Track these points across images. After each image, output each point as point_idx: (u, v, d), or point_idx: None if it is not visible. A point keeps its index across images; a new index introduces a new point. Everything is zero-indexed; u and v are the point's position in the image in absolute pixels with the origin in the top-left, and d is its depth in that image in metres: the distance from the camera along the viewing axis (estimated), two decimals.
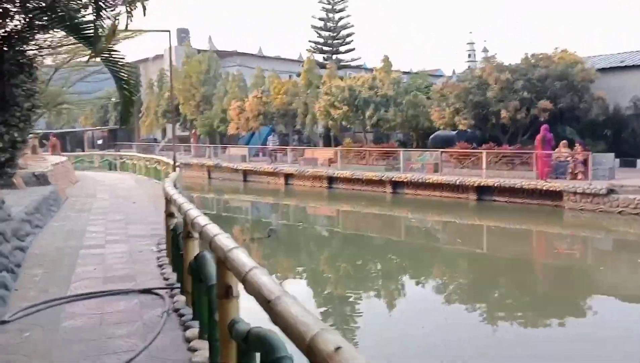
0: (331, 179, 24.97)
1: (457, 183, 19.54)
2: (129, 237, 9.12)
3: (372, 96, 23.71)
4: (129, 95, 6.23)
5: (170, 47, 15.00)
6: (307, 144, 32.20)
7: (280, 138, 33.71)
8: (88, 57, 6.86)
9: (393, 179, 21.86)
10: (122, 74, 6.19)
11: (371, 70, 29.39)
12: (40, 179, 14.09)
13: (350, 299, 10.10)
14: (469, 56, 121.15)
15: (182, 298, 5.42)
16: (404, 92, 24.32)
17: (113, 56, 6.17)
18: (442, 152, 20.85)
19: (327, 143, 30.88)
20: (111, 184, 20.25)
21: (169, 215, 6.95)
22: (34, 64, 6.55)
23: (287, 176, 27.38)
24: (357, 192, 23.58)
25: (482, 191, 19.27)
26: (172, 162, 15.54)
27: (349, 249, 14.66)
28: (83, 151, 45.35)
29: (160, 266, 6.93)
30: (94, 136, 52.51)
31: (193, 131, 38.88)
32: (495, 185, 18.55)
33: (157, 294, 5.70)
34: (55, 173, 16.32)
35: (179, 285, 5.77)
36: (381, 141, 27.71)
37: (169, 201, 6.88)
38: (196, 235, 5.09)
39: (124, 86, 6.15)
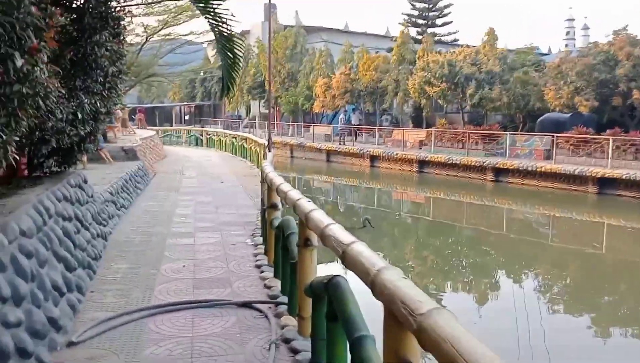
0: (422, 163, 23.11)
1: (575, 173, 17.09)
2: (219, 224, 8.09)
3: (475, 73, 21.46)
4: (232, 58, 5.04)
5: (269, 19, 13.79)
6: (395, 125, 30.34)
7: (366, 117, 32.11)
8: None
9: (496, 165, 19.68)
10: (224, 30, 4.97)
11: (465, 47, 26.97)
12: (129, 154, 13.58)
13: (446, 296, 8.53)
14: (567, 33, 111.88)
15: (292, 321, 4.16)
16: (510, 69, 21.83)
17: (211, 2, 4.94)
18: (557, 137, 18.36)
19: (417, 124, 28.93)
20: (198, 161, 19.76)
21: (272, 207, 5.71)
22: (121, 20, 5.41)
23: (373, 158, 25.81)
24: (452, 178, 21.60)
25: (605, 183, 16.71)
26: (263, 141, 14.51)
27: (449, 242, 13.00)
28: (171, 126, 46.27)
29: (258, 267, 5.75)
30: (181, 111, 53.56)
31: (277, 108, 38.18)
32: (623, 177, 15.95)
33: (259, 310, 4.49)
34: (144, 148, 15.89)
35: (285, 300, 4.52)
36: (477, 122, 25.36)
37: (271, 190, 5.63)
38: (314, 242, 3.79)
39: (226, 45, 4.96)
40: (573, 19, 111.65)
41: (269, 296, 4.80)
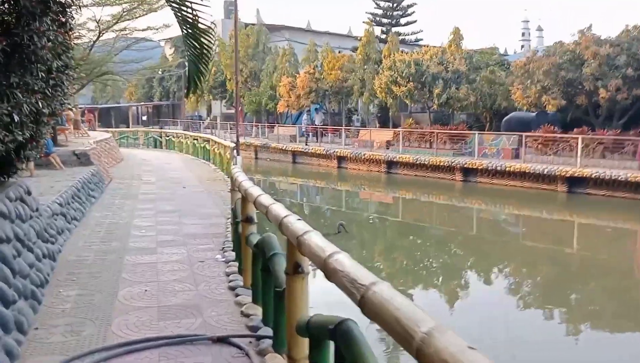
0: (390, 164, 22.77)
1: (545, 172, 17.03)
2: (185, 237, 7.31)
3: (441, 72, 21.22)
4: (200, 50, 4.31)
5: (236, 13, 13.06)
6: (360, 125, 29.93)
7: (331, 117, 31.60)
8: None
9: (465, 165, 19.49)
10: (188, 16, 4.23)
11: (428, 47, 26.82)
12: (82, 159, 12.55)
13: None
14: (523, 34, 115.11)
15: (280, 361, 3.49)
16: (475, 68, 21.72)
17: None
18: (525, 136, 18.28)
19: (382, 124, 28.61)
20: (157, 164, 18.72)
21: (246, 220, 5.02)
22: (67, 7, 4.63)
23: (341, 159, 25.32)
24: (421, 179, 21.33)
25: (574, 182, 16.72)
26: (227, 143, 13.66)
27: (425, 244, 12.58)
28: (128, 127, 44.52)
29: (232, 289, 5.05)
30: (139, 111, 51.72)
31: (240, 108, 37.20)
32: (593, 176, 15.96)
33: (238, 346, 3.80)
34: (99, 151, 14.82)
35: (269, 333, 3.85)
36: (443, 122, 25.21)
37: (247, 201, 4.94)
38: (307, 269, 3.14)
39: (192, 34, 4.23)
40: (528, 21, 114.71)
41: (248, 328, 4.12)
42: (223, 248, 6.64)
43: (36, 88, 4.54)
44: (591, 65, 16.70)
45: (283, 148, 28.50)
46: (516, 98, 18.85)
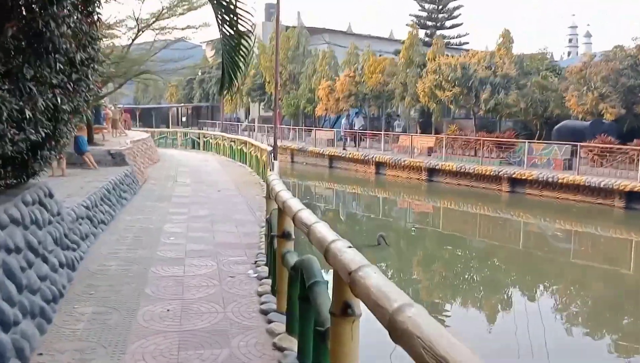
0: (432, 171, 21.85)
1: (602, 185, 15.83)
2: (216, 246, 6.78)
3: (489, 77, 20.21)
4: (237, 50, 3.76)
5: (277, 15, 12.59)
6: (399, 130, 29.04)
7: (370, 122, 30.84)
8: None
9: (513, 175, 18.42)
10: (226, 15, 3.66)
11: (472, 51, 25.77)
12: (117, 159, 12.29)
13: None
14: (570, 40, 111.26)
15: None
16: (526, 74, 20.60)
17: None
18: (580, 146, 17.10)
19: (423, 130, 27.68)
20: (194, 166, 18.46)
21: (283, 236, 4.42)
22: None
23: (379, 165, 24.55)
24: (464, 188, 20.34)
25: (633, 197, 15.46)
26: (265, 146, 13.15)
27: (471, 259, 11.71)
28: (168, 127, 44.95)
29: (264, 313, 4.44)
30: (179, 112, 52.27)
31: (278, 111, 36.90)
32: None
33: None
34: (135, 151, 14.59)
35: None
36: (488, 129, 24.13)
37: (284, 214, 4.32)
38: (358, 311, 2.49)
39: (229, 35, 3.70)
40: (576, 27, 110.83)
41: None
42: (256, 262, 6.07)
43: (54, 82, 4.07)
44: None
45: (320, 152, 27.93)
46: (571, 105, 17.69)
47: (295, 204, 3.94)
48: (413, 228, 13.45)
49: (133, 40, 12.25)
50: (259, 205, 10.51)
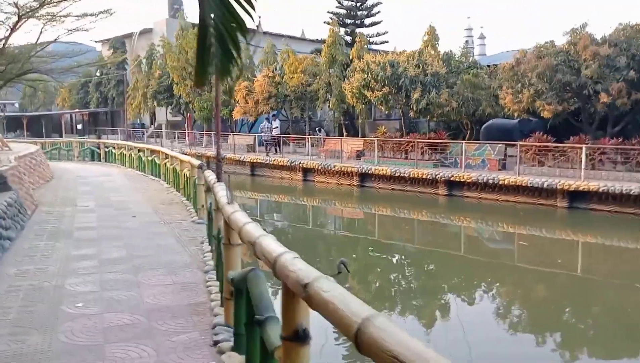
0: (364, 176, 20.62)
1: (545, 185, 15.34)
2: (148, 315, 4.70)
3: (419, 75, 19.30)
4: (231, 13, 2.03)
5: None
6: (322, 135, 27.59)
7: (292, 125, 29.14)
8: None
9: (451, 178, 17.58)
10: None
11: (391, 52, 25.07)
12: None
13: None
14: (467, 42, 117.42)
15: None
16: (453, 72, 19.97)
17: None
18: (520, 146, 16.56)
19: (341, 133, 26.46)
20: (96, 183, 15.64)
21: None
22: None
23: (306, 171, 22.95)
24: (399, 193, 19.29)
25: (576, 197, 15.14)
26: (188, 159, 10.81)
27: (417, 269, 10.38)
28: (61, 136, 40.22)
29: None
30: (73, 119, 47.21)
31: (188, 115, 34.04)
32: (600, 190, 14.40)
33: None
34: (21, 169, 11.72)
35: None
36: (411, 130, 23.38)
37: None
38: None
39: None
40: (472, 29, 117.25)
41: None
42: (216, 342, 4.08)
43: None
44: (591, 66, 15.20)
45: (240, 159, 25.77)
46: (506, 103, 17.16)
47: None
48: (371, 248, 11.92)
49: (12, 30, 9.52)
50: (189, 235, 8.41)
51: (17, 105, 48.61)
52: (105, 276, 5.95)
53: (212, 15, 1.65)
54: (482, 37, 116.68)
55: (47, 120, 45.89)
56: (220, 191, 5.29)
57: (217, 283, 5.47)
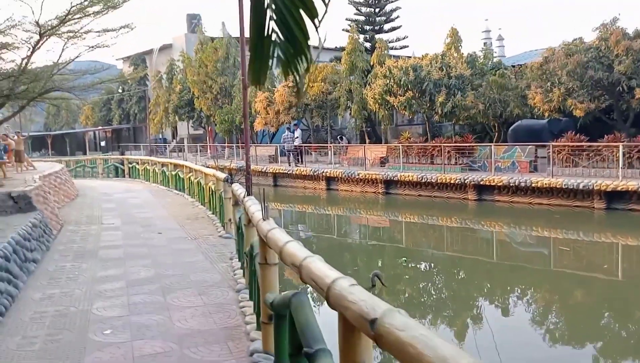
0: (389, 183, 20.19)
1: (581, 187, 14.72)
2: (180, 342, 4.40)
3: (443, 78, 18.86)
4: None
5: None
6: (344, 142, 27.29)
7: (314, 134, 28.89)
8: None
9: (480, 182, 17.05)
10: None
11: (411, 57, 24.64)
12: (21, 204, 9.41)
13: None
14: (485, 44, 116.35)
15: None
16: (481, 73, 19.47)
17: None
18: (553, 146, 15.96)
19: (363, 140, 26.10)
20: (121, 199, 15.56)
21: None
22: None
23: (330, 180, 22.62)
24: (426, 199, 18.80)
25: (614, 197, 14.49)
26: (212, 172, 10.56)
27: (461, 278, 9.90)
28: (85, 154, 40.71)
29: None
30: (96, 137, 47.83)
31: (209, 128, 34.10)
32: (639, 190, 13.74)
33: None
34: (46, 189, 11.64)
35: None
36: (435, 134, 22.87)
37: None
38: None
39: None
40: (490, 30, 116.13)
41: None
42: None
43: None
44: (624, 62, 14.59)
45: (262, 170, 25.58)
46: (535, 103, 16.59)
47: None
48: (403, 261, 11.50)
49: (34, 49, 9.46)
50: (216, 250, 8.14)
51: (41, 125, 49.54)
52: (133, 298, 5.69)
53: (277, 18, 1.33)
54: (500, 38, 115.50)
55: (71, 138, 46.56)
56: (253, 205, 5.00)
57: (251, 303, 5.16)
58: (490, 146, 17.66)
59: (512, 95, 17.92)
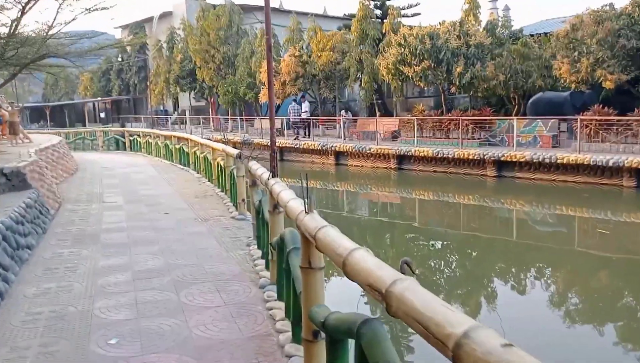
0: (402, 158, 19.34)
1: (610, 163, 13.88)
2: (201, 356, 3.63)
3: (461, 47, 17.80)
4: None
5: None
6: (349, 115, 26.25)
7: (321, 106, 27.87)
8: None
9: (501, 158, 16.19)
10: None
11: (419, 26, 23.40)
12: (14, 181, 8.59)
13: None
14: (491, 14, 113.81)
15: None
16: (500, 43, 18.38)
17: None
18: (580, 120, 15.04)
19: (371, 113, 25.09)
20: (123, 174, 14.74)
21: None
22: None
23: (339, 154, 21.76)
24: (441, 175, 17.97)
25: None
26: (222, 147, 9.68)
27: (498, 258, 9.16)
28: (84, 125, 39.72)
29: None
30: (96, 108, 46.71)
31: (212, 100, 33.03)
32: None
33: None
34: (42, 164, 10.80)
35: None
36: (446, 107, 21.87)
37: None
38: None
39: None
40: (496, 0, 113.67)
41: None
42: None
43: None
44: None
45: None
46: (561, 74, 15.59)
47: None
48: (430, 244, 10.70)
49: (24, 9, 8.48)
50: (232, 235, 7.36)
51: (40, 96, 48.41)
52: (141, 295, 4.91)
53: None
54: (506, 9, 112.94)
55: (70, 109, 45.49)
56: (283, 191, 4.18)
57: (280, 304, 4.39)
58: (512, 119, 16.72)
59: (534, 65, 16.89)
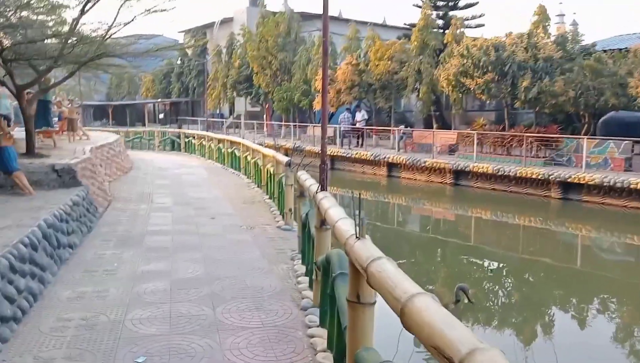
0: (459, 174, 18.49)
1: None
2: None
3: (529, 60, 16.86)
4: None
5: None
6: (409, 126, 25.54)
7: (376, 116, 27.32)
8: None
9: (568, 179, 15.11)
10: None
11: (482, 37, 22.42)
12: (65, 177, 8.59)
13: None
14: (558, 29, 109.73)
15: None
16: (570, 57, 17.30)
17: None
18: None
19: (427, 124, 24.28)
20: (175, 175, 14.77)
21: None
22: None
23: (391, 166, 21.13)
24: (501, 194, 16.99)
25: None
26: (272, 154, 9.34)
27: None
28: (143, 125, 40.88)
29: None
30: (155, 109, 48.10)
31: (267, 105, 33.16)
32: None
33: None
34: (95, 162, 10.86)
35: None
36: (512, 124, 20.83)
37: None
38: None
39: None
40: (564, 15, 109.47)
41: None
42: None
43: None
44: None
45: (319, 152, 24.32)
46: (638, 93, 14.41)
47: None
48: (491, 267, 9.99)
49: (84, 7, 8.55)
50: (276, 247, 6.98)
51: (104, 95, 50.36)
52: (176, 307, 4.59)
53: None
54: (574, 24, 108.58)
55: (131, 109, 47.00)
56: (332, 208, 3.74)
57: (323, 331, 3.95)
58: (582, 138, 15.61)
59: (608, 82, 15.73)
